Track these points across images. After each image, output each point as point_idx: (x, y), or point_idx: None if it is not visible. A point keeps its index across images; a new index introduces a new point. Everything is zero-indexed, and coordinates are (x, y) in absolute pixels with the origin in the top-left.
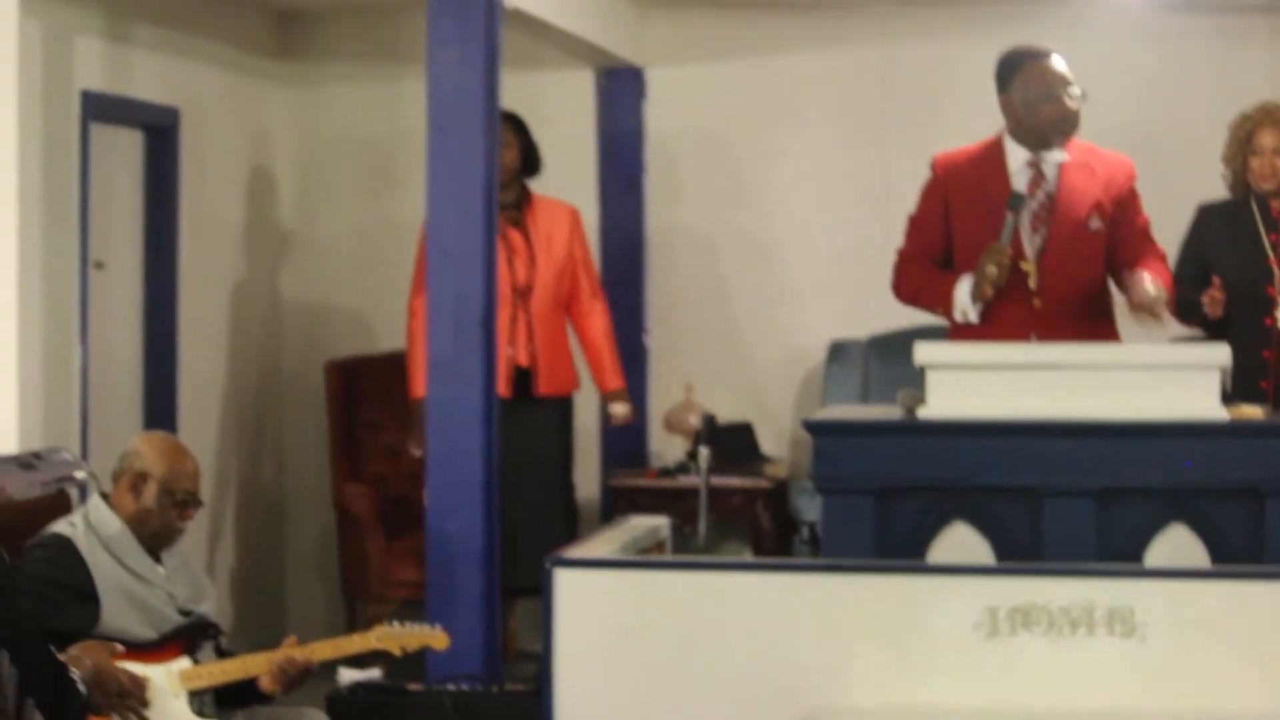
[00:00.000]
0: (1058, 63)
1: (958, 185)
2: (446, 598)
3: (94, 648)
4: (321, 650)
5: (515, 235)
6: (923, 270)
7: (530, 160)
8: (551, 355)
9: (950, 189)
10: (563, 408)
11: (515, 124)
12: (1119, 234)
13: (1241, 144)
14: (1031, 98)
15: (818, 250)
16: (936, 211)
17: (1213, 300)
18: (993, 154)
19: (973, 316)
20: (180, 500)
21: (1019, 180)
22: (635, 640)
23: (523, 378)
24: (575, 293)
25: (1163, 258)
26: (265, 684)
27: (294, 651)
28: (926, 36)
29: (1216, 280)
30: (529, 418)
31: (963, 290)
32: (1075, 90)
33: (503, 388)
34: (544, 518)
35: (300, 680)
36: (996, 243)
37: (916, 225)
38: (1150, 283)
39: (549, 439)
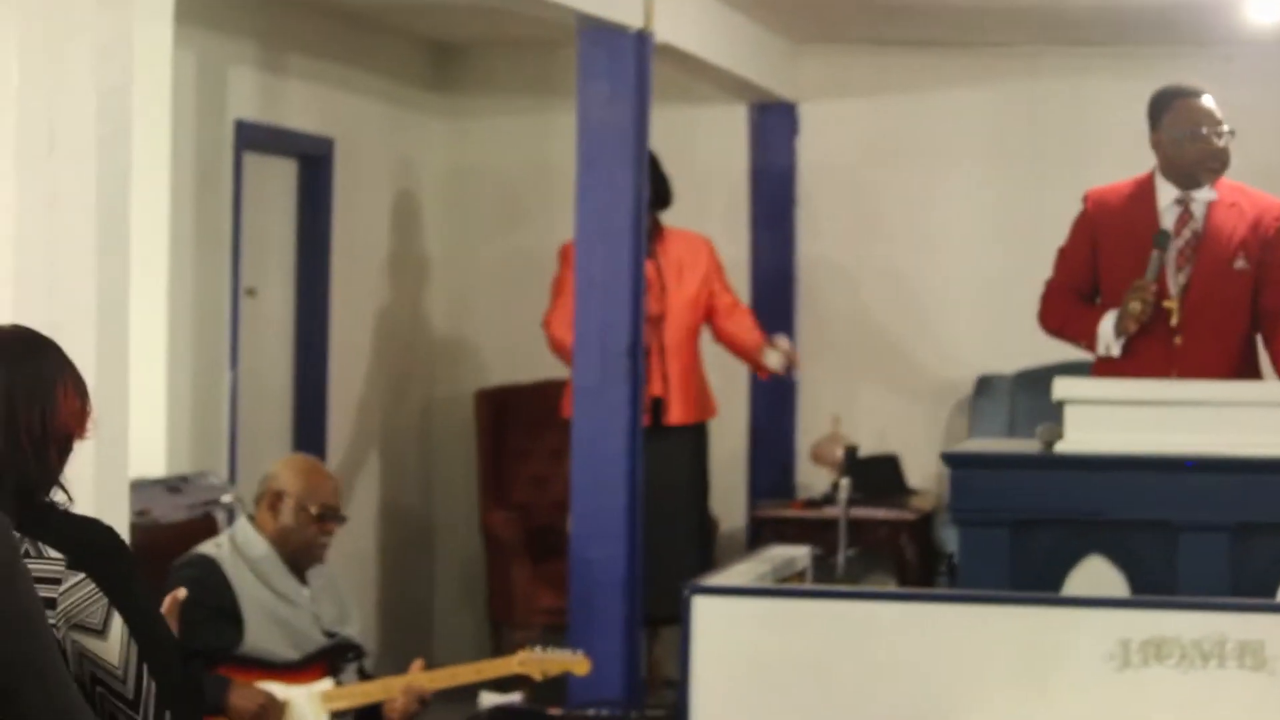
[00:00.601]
0: (1207, 101)
1: (1106, 220)
2: (588, 624)
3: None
4: (463, 674)
5: (647, 266)
6: (1069, 303)
7: (660, 193)
8: (684, 384)
9: (1099, 224)
10: (697, 435)
11: None
12: (1265, 276)
13: None
14: (1179, 135)
15: (967, 284)
16: (1085, 245)
17: None
18: (1143, 191)
19: (1115, 351)
20: (318, 515)
21: (1167, 218)
22: (771, 667)
23: (657, 407)
24: (715, 310)
25: None
26: (390, 710)
27: (418, 678)
28: (1075, 74)
29: None
30: (663, 446)
31: (1106, 325)
32: (1224, 129)
33: (642, 417)
34: (681, 545)
35: (422, 707)
36: (1141, 279)
37: (1065, 257)
38: None
39: (684, 467)
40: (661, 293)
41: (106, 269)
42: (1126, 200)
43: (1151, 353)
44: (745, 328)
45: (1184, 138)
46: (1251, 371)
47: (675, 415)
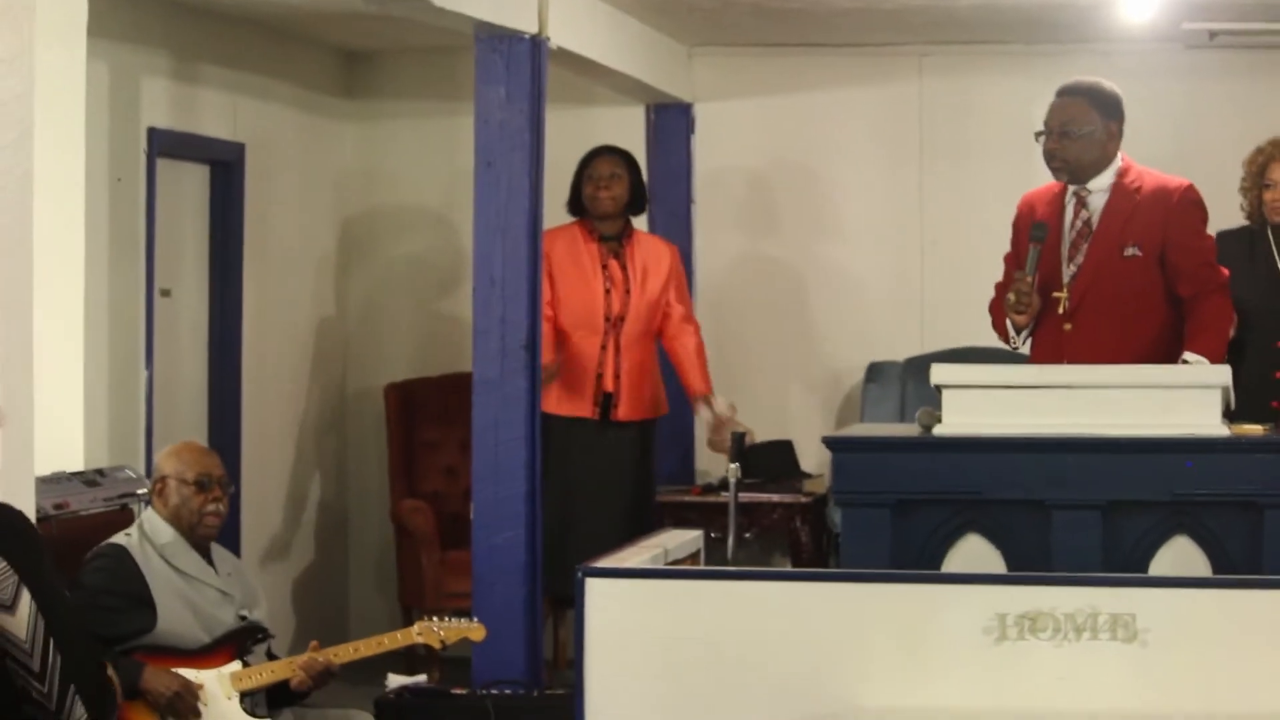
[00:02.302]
0: (1060, 101)
1: (1026, 222)
2: (491, 607)
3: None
4: (364, 647)
5: (615, 266)
6: (997, 303)
7: (637, 197)
8: (636, 381)
9: (1020, 226)
10: (643, 432)
11: (628, 160)
12: (1175, 261)
13: (1255, 177)
14: (1040, 134)
15: (859, 276)
16: (1014, 247)
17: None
18: (1059, 189)
19: (1021, 344)
20: (196, 482)
21: (1069, 211)
22: (660, 646)
23: (607, 402)
24: (668, 318)
25: (1222, 287)
26: (293, 682)
27: (317, 654)
28: (961, 72)
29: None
30: (608, 440)
31: (1009, 322)
32: (1071, 129)
33: (590, 410)
34: (613, 535)
35: (325, 679)
36: (1019, 271)
37: (1006, 261)
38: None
39: (627, 459)
40: (625, 294)
41: (11, 271)
42: (1045, 200)
43: (1046, 341)
44: (688, 356)
45: (1040, 136)
46: (1157, 352)
47: (623, 411)
